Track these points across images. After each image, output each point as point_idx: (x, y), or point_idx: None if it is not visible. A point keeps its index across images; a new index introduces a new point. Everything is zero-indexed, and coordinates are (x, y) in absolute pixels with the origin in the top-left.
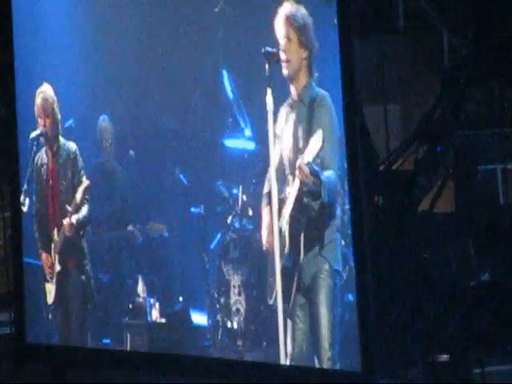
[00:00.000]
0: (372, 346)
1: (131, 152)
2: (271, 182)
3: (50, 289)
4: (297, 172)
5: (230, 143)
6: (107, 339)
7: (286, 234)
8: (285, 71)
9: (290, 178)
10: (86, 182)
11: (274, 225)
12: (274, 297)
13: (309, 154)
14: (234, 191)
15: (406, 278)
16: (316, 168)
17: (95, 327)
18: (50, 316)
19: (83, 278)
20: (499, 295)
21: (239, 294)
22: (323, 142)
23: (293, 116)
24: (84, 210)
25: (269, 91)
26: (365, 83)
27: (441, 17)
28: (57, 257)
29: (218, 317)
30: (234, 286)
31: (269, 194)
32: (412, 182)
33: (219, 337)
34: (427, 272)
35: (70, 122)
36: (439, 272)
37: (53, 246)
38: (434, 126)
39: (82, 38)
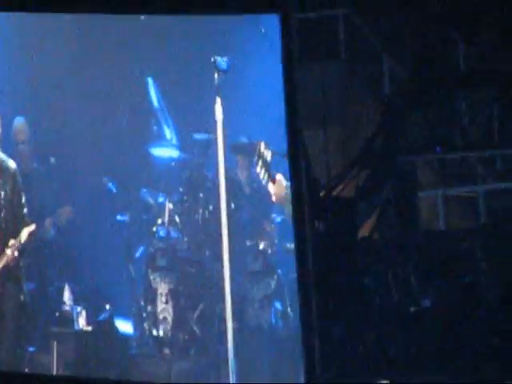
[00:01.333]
0: (315, 369)
1: (52, 159)
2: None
3: None
4: None
5: (156, 152)
6: (32, 347)
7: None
8: None
9: None
10: (32, 226)
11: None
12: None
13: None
14: (160, 199)
15: (347, 304)
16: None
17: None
18: None
19: (21, 297)
20: (440, 321)
21: (166, 302)
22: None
23: None
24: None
25: (218, 100)
26: (306, 108)
27: (382, 44)
28: None
29: (145, 325)
30: (161, 294)
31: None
32: (352, 207)
33: (146, 345)
34: (368, 298)
35: None
36: (380, 298)
37: None
38: (375, 152)
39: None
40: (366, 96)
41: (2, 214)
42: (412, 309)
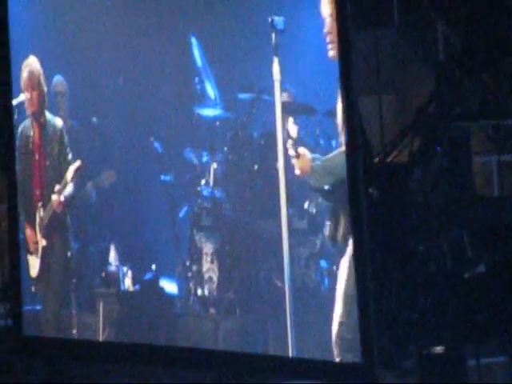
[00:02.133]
0: (373, 338)
1: (94, 119)
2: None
3: (34, 262)
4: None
5: (201, 111)
6: (78, 308)
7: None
8: (331, 53)
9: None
10: (77, 162)
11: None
12: None
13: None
14: (204, 159)
15: (401, 270)
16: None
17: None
18: (33, 289)
19: (68, 253)
20: (494, 287)
21: (212, 262)
22: None
23: None
24: (70, 188)
25: (275, 60)
26: (360, 75)
27: (436, 9)
28: (42, 231)
29: (191, 285)
30: (206, 254)
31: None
32: (407, 174)
33: (192, 305)
34: (422, 264)
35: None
36: (434, 264)
37: (38, 220)
38: (430, 118)
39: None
40: (420, 62)
41: (50, 172)
42: (466, 275)
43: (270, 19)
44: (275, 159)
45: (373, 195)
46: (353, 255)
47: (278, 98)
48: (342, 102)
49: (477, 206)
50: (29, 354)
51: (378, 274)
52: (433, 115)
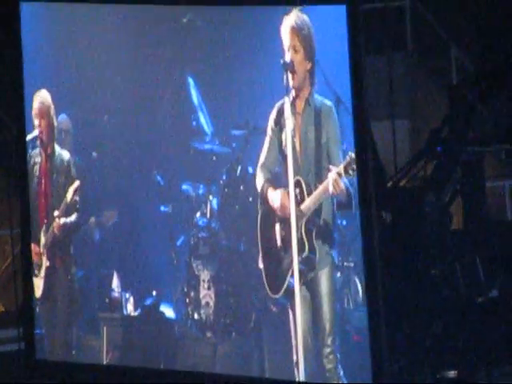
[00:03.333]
0: (383, 361)
1: (94, 154)
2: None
3: (38, 283)
4: (330, 186)
5: (198, 145)
6: (82, 331)
7: (303, 231)
8: (291, 82)
9: (291, 172)
10: (76, 182)
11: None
12: (283, 290)
13: (341, 169)
14: (201, 191)
15: (415, 294)
16: (347, 181)
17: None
18: (37, 309)
19: (69, 277)
20: (507, 311)
21: (209, 288)
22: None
23: (299, 123)
24: (73, 215)
25: (287, 100)
26: (373, 99)
27: (449, 35)
28: (45, 252)
29: (189, 310)
30: (203, 281)
31: (270, 181)
32: (420, 198)
33: (190, 329)
34: (435, 288)
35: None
36: (447, 288)
37: (42, 241)
38: (443, 143)
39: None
40: (433, 87)
41: (55, 197)
42: (479, 299)
43: (281, 61)
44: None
45: (386, 219)
46: (365, 278)
47: (289, 134)
48: (354, 126)
49: (490, 230)
50: (40, 377)
51: (391, 297)
52: (446, 139)
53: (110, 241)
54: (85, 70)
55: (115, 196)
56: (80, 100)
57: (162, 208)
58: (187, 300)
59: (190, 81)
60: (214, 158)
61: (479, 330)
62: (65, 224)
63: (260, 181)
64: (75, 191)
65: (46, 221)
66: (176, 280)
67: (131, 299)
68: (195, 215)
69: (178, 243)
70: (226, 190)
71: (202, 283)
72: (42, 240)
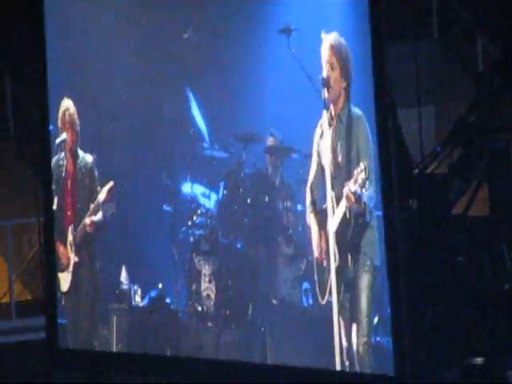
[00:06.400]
0: (405, 350)
1: (95, 156)
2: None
3: (65, 277)
4: (344, 199)
5: (198, 151)
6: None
7: (334, 240)
8: (326, 95)
9: (329, 189)
10: (110, 183)
11: (328, 232)
12: (327, 295)
13: (354, 184)
14: (202, 192)
15: (441, 282)
16: (360, 194)
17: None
18: (63, 302)
19: (93, 271)
20: None
21: (210, 282)
22: (368, 172)
23: (331, 133)
24: (99, 214)
25: (324, 113)
26: (400, 87)
27: (475, 21)
28: (74, 249)
29: (191, 302)
30: (204, 275)
31: (313, 203)
32: (446, 185)
33: (192, 320)
34: (462, 275)
35: None
36: (474, 275)
37: (70, 238)
38: (469, 130)
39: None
40: (459, 74)
41: (81, 198)
42: (506, 286)
43: (320, 77)
44: (265, 194)
45: (412, 206)
46: (387, 267)
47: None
48: (376, 114)
49: None
50: (64, 366)
51: (416, 285)
52: (472, 126)
53: (119, 235)
54: (101, 78)
55: (126, 196)
56: (97, 108)
57: (165, 207)
58: (190, 293)
59: (190, 94)
60: (214, 162)
61: (506, 318)
62: (96, 222)
63: (307, 201)
64: (109, 191)
65: (73, 220)
66: (179, 274)
67: (139, 291)
68: (196, 214)
69: (180, 240)
70: (224, 191)
71: (203, 277)
72: (70, 238)
